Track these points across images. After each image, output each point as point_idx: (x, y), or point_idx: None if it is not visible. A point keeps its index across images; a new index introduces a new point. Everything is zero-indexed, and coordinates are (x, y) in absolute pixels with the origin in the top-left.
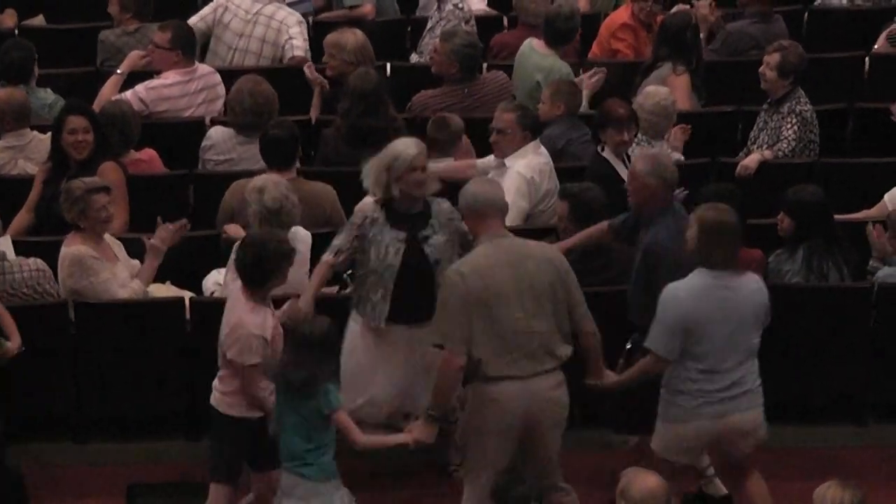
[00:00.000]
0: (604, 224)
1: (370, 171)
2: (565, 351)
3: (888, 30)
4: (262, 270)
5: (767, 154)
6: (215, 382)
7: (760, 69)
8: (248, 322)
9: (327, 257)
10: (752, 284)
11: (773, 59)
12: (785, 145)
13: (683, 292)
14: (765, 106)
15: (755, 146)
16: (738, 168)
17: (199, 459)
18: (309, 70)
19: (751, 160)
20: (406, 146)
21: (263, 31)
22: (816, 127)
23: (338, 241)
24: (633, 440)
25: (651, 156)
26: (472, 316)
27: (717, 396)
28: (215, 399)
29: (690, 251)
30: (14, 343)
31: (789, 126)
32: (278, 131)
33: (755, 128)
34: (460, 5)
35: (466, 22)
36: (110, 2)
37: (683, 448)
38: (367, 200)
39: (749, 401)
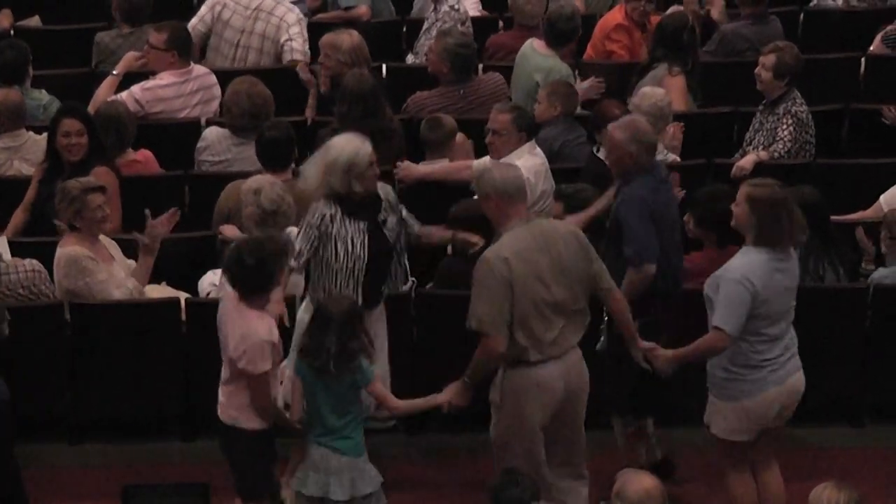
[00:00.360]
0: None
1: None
2: (586, 323)
3: (884, 31)
4: (264, 273)
5: (763, 155)
6: (223, 400)
7: (756, 70)
8: (258, 329)
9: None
10: (793, 254)
11: (768, 60)
12: (780, 146)
13: (749, 271)
14: (760, 107)
15: (751, 147)
16: (734, 169)
17: (196, 460)
18: (302, 71)
19: (746, 161)
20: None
21: (263, 26)
22: (812, 128)
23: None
24: (633, 426)
25: (627, 122)
26: (515, 300)
27: (779, 362)
28: (231, 417)
29: (738, 225)
30: None
31: (785, 127)
32: (275, 132)
33: (751, 129)
34: (456, 6)
35: (462, 23)
36: (112, 3)
37: (752, 424)
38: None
39: (798, 361)
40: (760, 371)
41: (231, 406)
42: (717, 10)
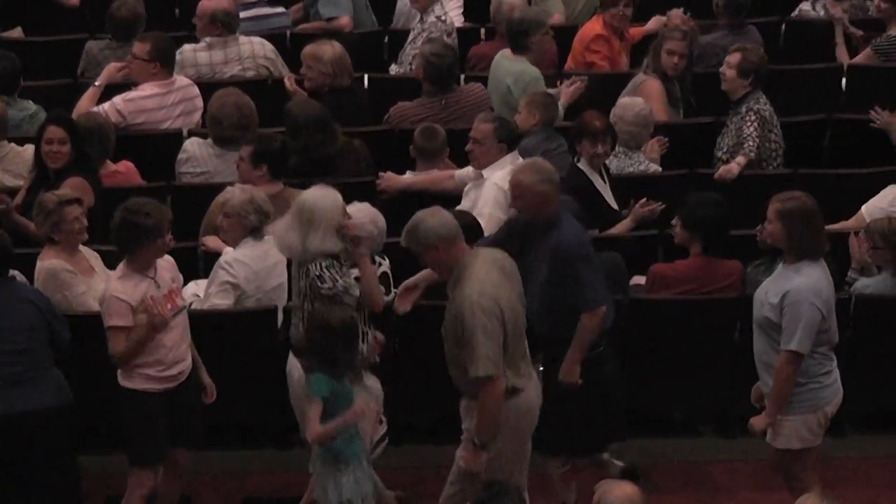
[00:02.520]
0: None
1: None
2: None
3: (873, 40)
4: (121, 232)
5: (741, 160)
6: None
7: (721, 69)
8: (114, 286)
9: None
10: None
11: (733, 59)
12: (750, 143)
13: (817, 290)
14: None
15: (720, 152)
16: (721, 171)
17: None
18: (289, 82)
19: (733, 165)
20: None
21: (255, 73)
22: (777, 128)
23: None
24: (565, 466)
25: (530, 164)
26: (506, 332)
27: (836, 367)
28: (118, 374)
29: (774, 243)
30: None
31: (749, 124)
32: (276, 144)
33: (720, 135)
34: (443, 17)
35: (448, 35)
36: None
37: (823, 426)
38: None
39: None
40: (831, 375)
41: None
42: (677, 17)
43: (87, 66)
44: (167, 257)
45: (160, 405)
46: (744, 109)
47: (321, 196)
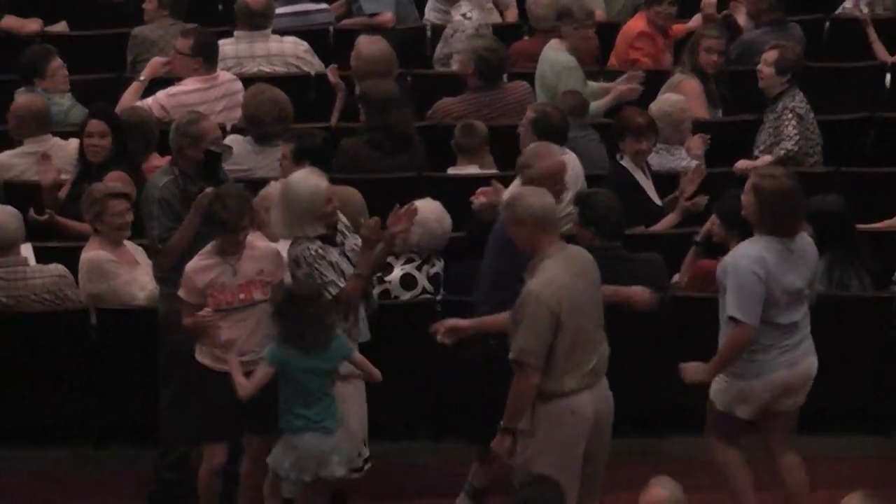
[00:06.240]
0: None
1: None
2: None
3: None
4: (207, 218)
5: (767, 159)
6: None
7: (758, 66)
8: (191, 262)
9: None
10: (806, 238)
11: (770, 56)
12: (789, 143)
13: (756, 259)
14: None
15: (757, 150)
16: (738, 164)
17: None
18: (332, 74)
19: (750, 162)
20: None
21: (286, 70)
22: (815, 126)
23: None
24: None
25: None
26: (561, 332)
27: (790, 345)
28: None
29: (746, 215)
30: None
31: (787, 123)
32: (314, 140)
33: (758, 132)
34: (468, 15)
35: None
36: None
37: (750, 401)
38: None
39: (810, 345)
40: (769, 353)
41: None
42: (742, 16)
43: (141, 49)
44: (275, 249)
45: (225, 386)
46: (780, 107)
47: (303, 179)
